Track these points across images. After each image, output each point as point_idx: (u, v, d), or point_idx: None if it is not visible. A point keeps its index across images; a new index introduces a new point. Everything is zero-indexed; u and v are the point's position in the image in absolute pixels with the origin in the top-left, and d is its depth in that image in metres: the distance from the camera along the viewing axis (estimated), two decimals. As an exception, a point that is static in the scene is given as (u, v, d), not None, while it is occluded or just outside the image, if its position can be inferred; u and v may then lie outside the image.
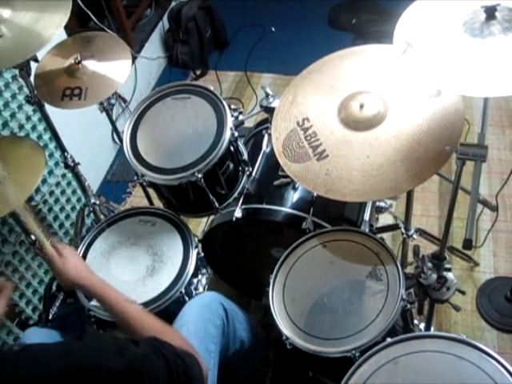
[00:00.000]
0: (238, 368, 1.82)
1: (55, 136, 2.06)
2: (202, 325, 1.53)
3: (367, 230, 1.75)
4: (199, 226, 2.50)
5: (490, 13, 1.13)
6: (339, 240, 1.62)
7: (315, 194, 1.75)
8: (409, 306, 1.48)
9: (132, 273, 1.72)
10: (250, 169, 1.89)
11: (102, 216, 2.29)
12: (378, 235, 1.66)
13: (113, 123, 2.15)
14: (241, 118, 1.83)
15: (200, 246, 1.82)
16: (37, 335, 1.59)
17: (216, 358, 1.51)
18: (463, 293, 1.73)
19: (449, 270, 1.62)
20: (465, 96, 1.14)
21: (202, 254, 1.83)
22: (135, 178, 1.78)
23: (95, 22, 2.82)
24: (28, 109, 2.20)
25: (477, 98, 1.14)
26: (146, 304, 1.63)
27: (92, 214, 2.38)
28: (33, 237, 1.90)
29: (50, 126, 2.02)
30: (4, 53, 1.59)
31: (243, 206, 1.80)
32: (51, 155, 2.36)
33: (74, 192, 2.53)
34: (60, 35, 2.21)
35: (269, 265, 1.62)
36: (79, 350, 0.98)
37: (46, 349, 1.01)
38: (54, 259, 1.42)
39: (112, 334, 1.11)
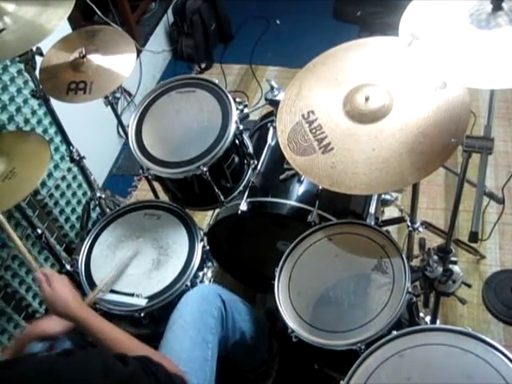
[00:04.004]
0: (241, 360, 1.83)
1: (61, 130, 2.06)
2: (199, 316, 1.53)
3: (373, 223, 1.74)
4: (205, 219, 2.51)
5: (497, 4, 1.12)
6: (345, 233, 1.62)
7: (320, 187, 1.75)
8: (414, 298, 1.48)
9: (138, 266, 1.73)
10: (255, 162, 1.89)
11: (107, 209, 2.30)
12: (384, 228, 1.66)
13: (118, 117, 2.16)
14: (246, 111, 1.83)
15: (205, 239, 1.82)
16: None
17: (214, 349, 1.52)
18: (469, 286, 1.73)
19: (455, 262, 1.62)
20: (471, 88, 1.14)
21: (208, 247, 1.83)
22: (140, 171, 1.78)
23: (100, 15, 2.82)
24: (33, 103, 2.20)
25: (483, 90, 1.13)
26: (151, 297, 1.64)
27: (98, 208, 2.38)
28: (39, 230, 1.91)
29: (56, 120, 2.03)
30: (8, 44, 1.60)
31: (248, 199, 1.80)
32: (57, 149, 2.36)
33: (79, 186, 2.54)
34: (65, 29, 2.22)
35: (274, 258, 1.63)
36: (65, 367, 0.98)
37: (33, 366, 1.00)
38: (43, 287, 1.37)
39: (101, 352, 1.09)
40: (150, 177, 1.78)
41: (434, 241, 2.08)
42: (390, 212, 2.31)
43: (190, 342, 1.48)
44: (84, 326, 1.32)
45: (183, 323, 1.51)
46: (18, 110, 2.14)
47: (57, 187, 2.38)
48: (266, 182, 1.88)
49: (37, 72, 1.83)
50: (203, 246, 1.77)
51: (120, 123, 2.24)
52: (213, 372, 1.50)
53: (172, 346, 1.46)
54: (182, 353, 1.44)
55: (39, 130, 2.25)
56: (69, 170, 2.45)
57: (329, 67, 1.51)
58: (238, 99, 1.81)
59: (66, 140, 2.10)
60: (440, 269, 1.61)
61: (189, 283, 1.67)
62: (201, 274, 1.78)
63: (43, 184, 2.29)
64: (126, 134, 1.84)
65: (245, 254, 2.08)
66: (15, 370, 0.97)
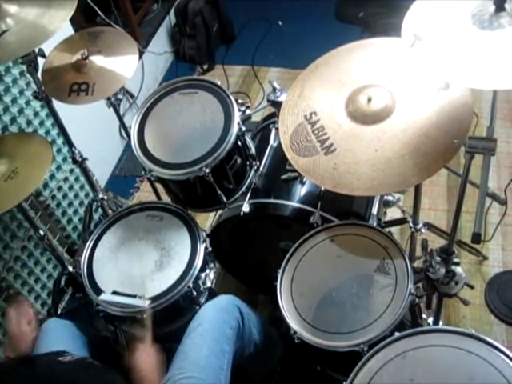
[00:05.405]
0: (252, 369, 1.83)
1: (63, 131, 2.07)
2: (218, 326, 1.54)
3: (375, 224, 1.74)
4: (207, 220, 2.51)
5: (500, 4, 1.12)
6: (347, 234, 1.61)
7: (323, 188, 1.75)
8: (417, 300, 1.48)
9: (140, 268, 1.72)
10: (258, 163, 1.89)
11: (109, 211, 2.30)
12: (386, 229, 1.66)
13: (120, 118, 2.16)
14: (248, 112, 1.83)
15: (208, 240, 1.82)
16: (55, 327, 1.63)
17: (230, 359, 1.52)
18: (472, 287, 1.72)
19: (457, 264, 1.61)
20: (473, 89, 1.13)
21: (210, 249, 1.84)
22: (143, 172, 1.78)
23: (102, 17, 2.83)
24: (36, 104, 2.20)
25: (485, 91, 1.13)
26: (154, 298, 1.63)
27: (100, 209, 2.39)
28: (41, 231, 1.91)
29: (58, 122, 2.03)
30: (10, 45, 1.60)
31: (251, 201, 1.80)
32: (59, 151, 2.37)
33: (82, 187, 2.54)
34: (67, 31, 2.22)
35: (276, 259, 1.63)
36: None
37: (48, 367, 1.01)
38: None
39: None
40: (152, 178, 1.78)
41: (437, 242, 2.08)
42: (393, 213, 2.31)
43: (208, 350, 1.48)
44: None
45: (202, 331, 1.51)
46: (21, 111, 2.14)
47: (59, 188, 2.38)
48: (268, 183, 1.87)
49: (39, 73, 1.84)
50: (205, 248, 1.76)
51: (122, 124, 2.24)
52: (227, 381, 1.50)
53: (189, 353, 1.47)
54: (199, 360, 1.44)
55: (41, 132, 2.25)
56: (71, 171, 2.45)
57: (331, 68, 1.51)
58: (240, 100, 1.81)
59: (68, 141, 2.10)
60: (442, 270, 1.60)
61: (191, 285, 1.67)
62: (203, 275, 1.78)
63: (45, 185, 2.29)
64: (129, 135, 1.85)
65: (247, 255, 2.08)
66: (36, 368, 0.97)
